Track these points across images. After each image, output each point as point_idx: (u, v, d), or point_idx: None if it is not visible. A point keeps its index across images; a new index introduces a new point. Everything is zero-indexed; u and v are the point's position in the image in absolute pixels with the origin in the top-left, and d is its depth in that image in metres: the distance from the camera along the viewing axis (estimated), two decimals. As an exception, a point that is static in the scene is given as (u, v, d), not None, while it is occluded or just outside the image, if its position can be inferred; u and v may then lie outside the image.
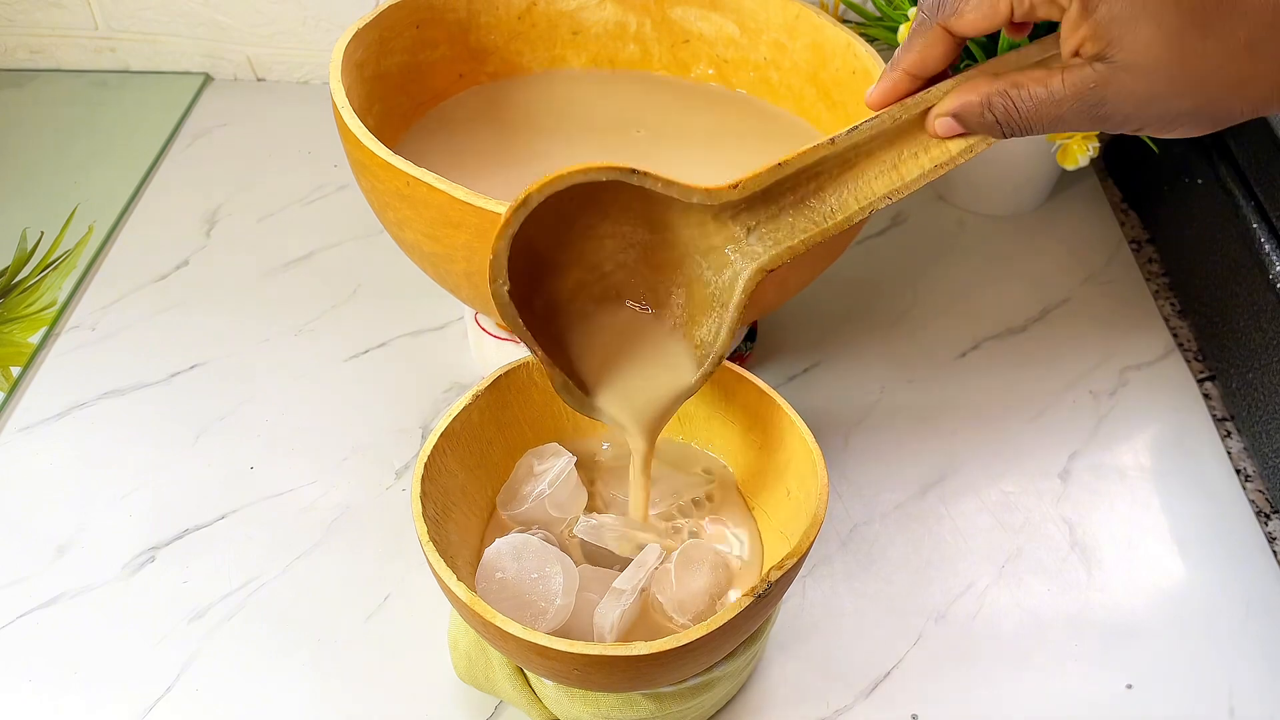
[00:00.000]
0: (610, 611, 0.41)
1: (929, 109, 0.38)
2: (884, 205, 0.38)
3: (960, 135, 0.38)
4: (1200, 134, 0.36)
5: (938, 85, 0.38)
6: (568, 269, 0.39)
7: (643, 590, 0.43)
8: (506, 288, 0.36)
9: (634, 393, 0.40)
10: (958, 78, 0.38)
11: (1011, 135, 0.37)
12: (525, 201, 0.35)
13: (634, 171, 0.36)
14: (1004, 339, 0.66)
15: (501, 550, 0.43)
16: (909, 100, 0.38)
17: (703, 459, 0.49)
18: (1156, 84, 0.33)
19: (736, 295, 0.38)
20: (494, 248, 0.36)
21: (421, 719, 0.46)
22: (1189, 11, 0.32)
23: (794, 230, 0.38)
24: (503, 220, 0.35)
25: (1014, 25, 0.37)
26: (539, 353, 0.38)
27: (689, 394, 0.40)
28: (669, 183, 0.37)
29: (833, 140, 0.38)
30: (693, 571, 0.44)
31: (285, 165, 0.76)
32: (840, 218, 0.38)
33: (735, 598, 0.38)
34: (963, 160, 0.38)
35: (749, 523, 0.47)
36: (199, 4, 0.80)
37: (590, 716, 0.43)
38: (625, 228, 0.38)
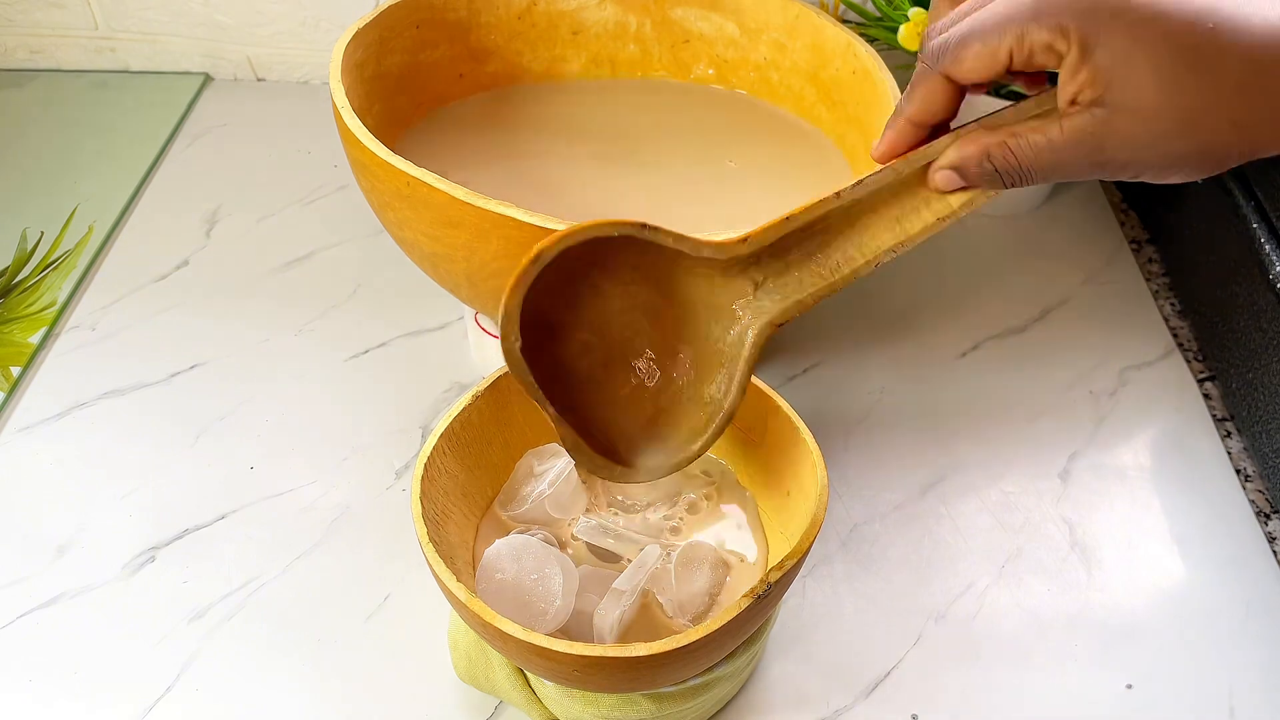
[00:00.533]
0: (610, 612, 0.41)
1: (930, 163, 0.38)
2: (889, 259, 0.39)
3: (961, 189, 0.38)
4: (1200, 177, 0.36)
5: (938, 140, 0.38)
6: (573, 330, 0.38)
7: (643, 591, 0.43)
8: (519, 344, 0.36)
9: (647, 456, 0.39)
10: (957, 132, 0.38)
11: (1012, 185, 0.37)
12: (538, 257, 0.35)
13: (644, 226, 0.36)
14: (1004, 339, 0.66)
15: (501, 551, 0.43)
16: (911, 155, 0.38)
17: (702, 460, 0.49)
18: (1154, 126, 0.33)
19: (746, 350, 0.38)
20: (505, 304, 0.35)
21: (421, 719, 0.46)
22: (1182, 52, 0.32)
23: (802, 285, 0.38)
24: (515, 276, 0.35)
25: (1015, 75, 0.37)
26: (551, 412, 0.37)
27: (699, 455, 0.39)
28: (680, 237, 0.37)
29: (838, 194, 0.38)
30: (693, 571, 0.44)
31: (285, 165, 0.76)
32: (847, 271, 0.38)
33: (735, 598, 0.38)
34: (964, 213, 0.38)
35: (749, 523, 0.47)
36: (199, 4, 0.80)
37: (590, 716, 0.43)
38: (632, 288, 0.38)
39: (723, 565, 0.45)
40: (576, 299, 0.38)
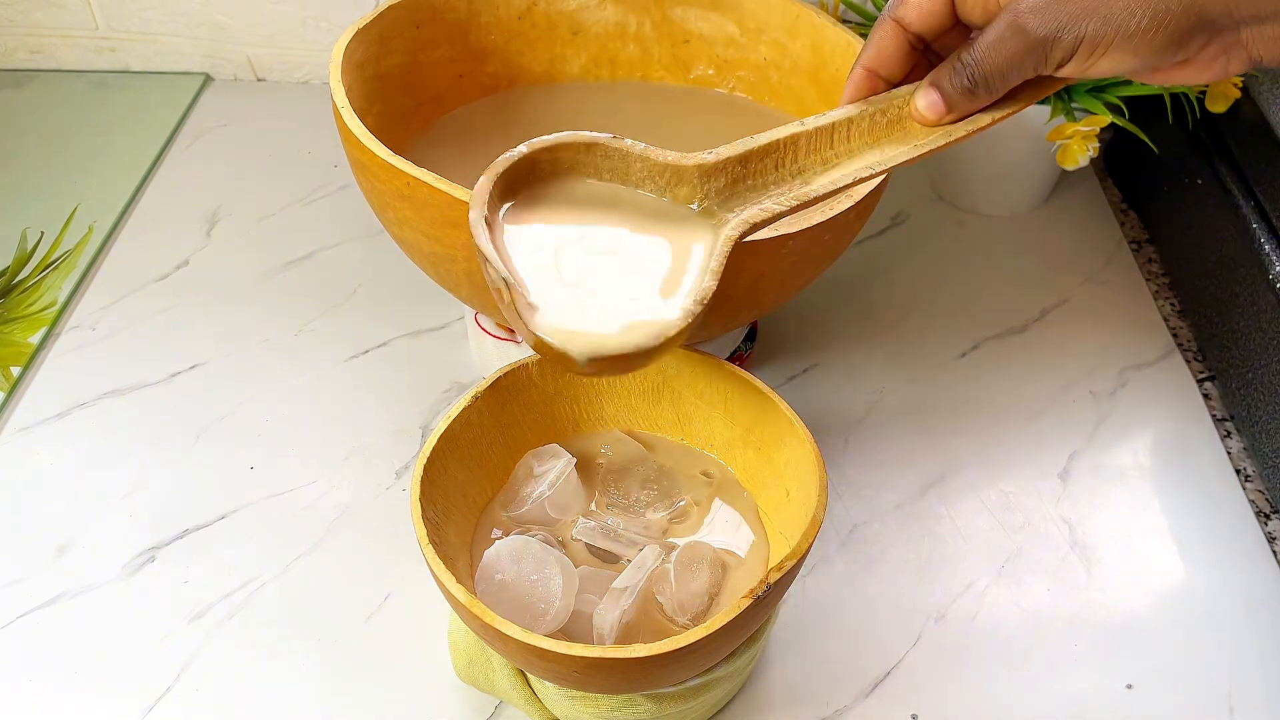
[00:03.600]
0: (609, 613, 0.41)
1: (899, 105, 0.40)
2: (867, 175, 0.40)
3: (943, 114, 0.39)
4: (1154, 61, 0.36)
5: (902, 88, 0.40)
6: (547, 222, 0.39)
7: (643, 591, 0.43)
8: (485, 215, 0.37)
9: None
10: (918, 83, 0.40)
11: (981, 94, 0.38)
12: (511, 155, 0.37)
13: (614, 137, 0.38)
14: (1004, 339, 0.66)
15: (501, 552, 0.43)
16: (877, 96, 0.40)
17: (702, 460, 0.49)
18: None
19: (724, 234, 0.39)
20: (478, 185, 0.37)
21: (421, 719, 0.46)
22: None
23: (769, 198, 0.40)
24: (488, 169, 0.37)
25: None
26: (501, 263, 0.37)
27: (662, 352, 0.38)
28: (646, 146, 0.39)
29: (802, 122, 0.40)
30: (692, 572, 0.44)
31: (285, 165, 0.76)
32: (824, 181, 0.40)
33: (735, 598, 0.38)
34: (942, 144, 0.40)
35: (749, 522, 0.47)
36: (199, 4, 0.80)
37: (590, 717, 0.43)
38: (607, 187, 0.40)
39: (722, 565, 0.45)
40: (549, 196, 0.39)
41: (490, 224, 0.37)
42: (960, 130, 0.40)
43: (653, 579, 0.43)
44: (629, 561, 0.45)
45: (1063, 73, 0.37)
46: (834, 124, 0.40)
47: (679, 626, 0.43)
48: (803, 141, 0.40)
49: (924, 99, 0.39)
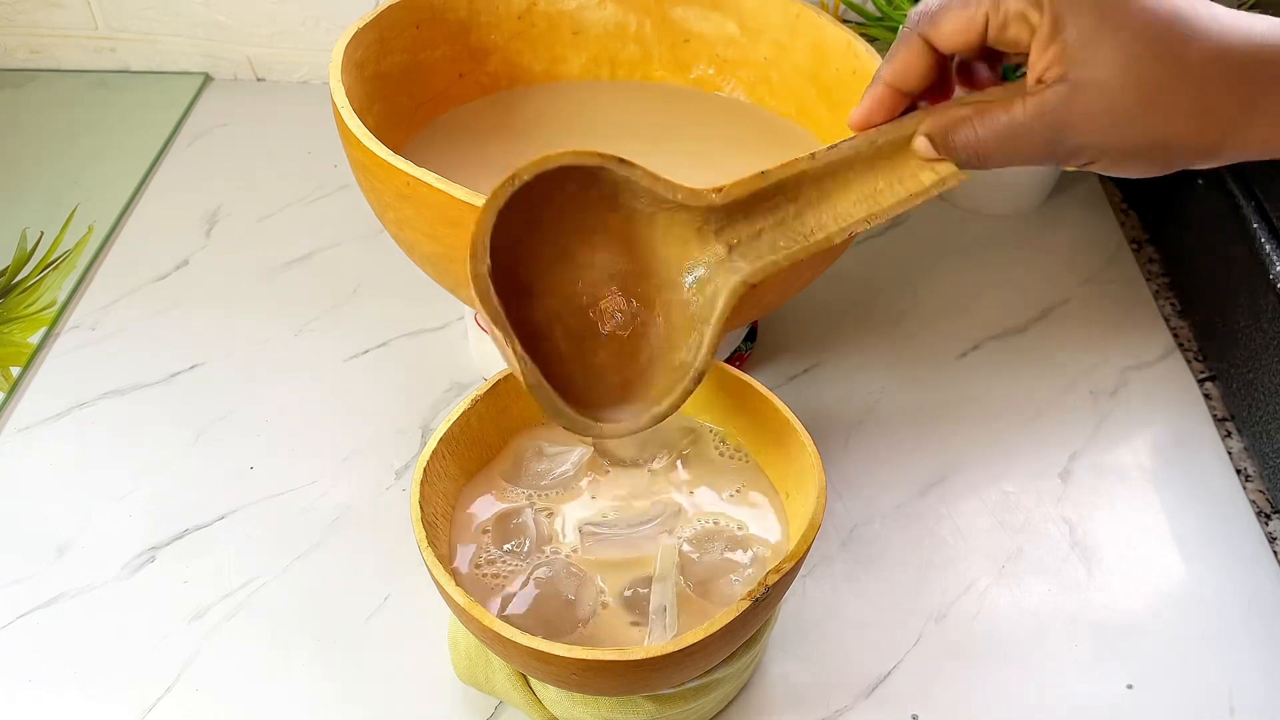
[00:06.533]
0: (660, 637, 0.41)
1: (905, 138, 0.39)
2: (862, 229, 0.39)
3: (935, 160, 0.38)
4: (1156, 174, 0.36)
5: (912, 114, 0.39)
6: (542, 298, 0.38)
7: (677, 594, 0.43)
8: (487, 267, 0.35)
9: (616, 415, 0.39)
10: (934, 106, 0.39)
11: (971, 166, 0.38)
12: (513, 178, 0.35)
13: (621, 161, 0.36)
14: (1004, 339, 0.66)
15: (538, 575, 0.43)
16: (885, 126, 0.39)
17: (681, 420, 0.49)
18: (1113, 105, 0.34)
19: (719, 310, 0.38)
20: (478, 222, 0.35)
21: (421, 719, 0.46)
22: (1148, 36, 0.34)
23: (775, 248, 0.38)
24: (489, 197, 0.35)
25: (993, 54, 0.38)
26: (516, 348, 0.36)
27: (666, 416, 0.39)
28: (655, 177, 0.37)
29: (813, 155, 0.38)
30: (708, 547, 0.44)
31: (285, 165, 0.76)
32: (820, 237, 0.39)
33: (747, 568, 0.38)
34: (936, 192, 0.39)
35: (751, 490, 0.47)
36: (199, 4, 0.80)
37: (590, 718, 0.43)
38: (601, 254, 0.38)
39: (735, 540, 0.45)
40: (546, 264, 0.38)
41: (493, 279, 0.35)
42: (953, 181, 0.39)
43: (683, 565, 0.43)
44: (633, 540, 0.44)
45: (1072, 166, 0.37)
46: (842, 159, 0.39)
47: (718, 602, 0.42)
48: (808, 179, 0.39)
49: (923, 148, 0.38)
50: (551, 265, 0.38)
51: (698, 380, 0.38)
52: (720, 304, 0.38)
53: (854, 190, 0.39)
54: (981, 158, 0.37)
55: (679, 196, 0.37)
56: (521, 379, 0.36)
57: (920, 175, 0.39)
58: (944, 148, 0.38)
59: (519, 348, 0.36)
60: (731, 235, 0.38)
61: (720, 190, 0.37)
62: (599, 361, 0.39)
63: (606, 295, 0.39)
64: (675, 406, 0.38)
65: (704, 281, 0.38)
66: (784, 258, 0.38)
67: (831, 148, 0.38)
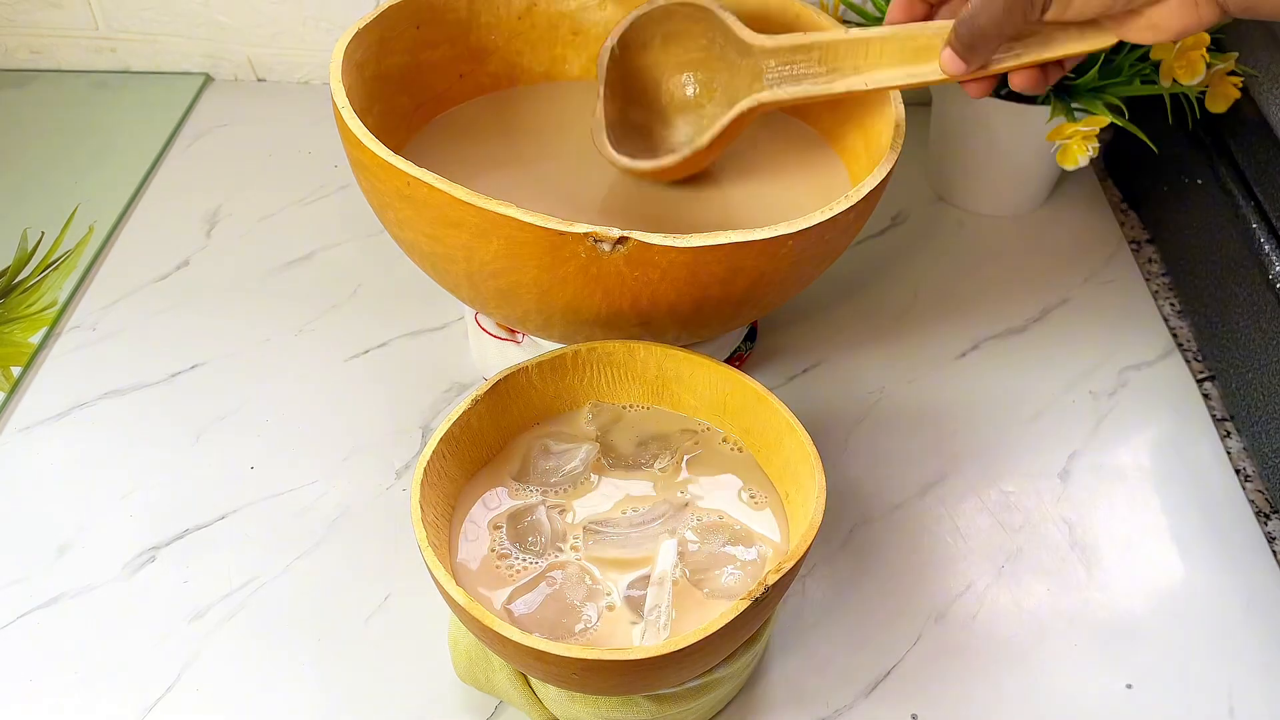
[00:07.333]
0: (654, 638, 0.41)
1: (915, 35, 0.48)
2: (889, 85, 0.50)
3: (964, 71, 0.46)
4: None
5: (934, 24, 0.48)
6: (631, 74, 0.57)
7: (672, 593, 0.42)
8: (613, 44, 0.56)
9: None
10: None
11: (981, 49, 0.45)
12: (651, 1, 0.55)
13: (721, 7, 0.54)
14: (1004, 339, 0.66)
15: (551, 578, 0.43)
16: (913, 26, 0.48)
17: (683, 421, 0.49)
18: None
19: (731, 112, 0.53)
20: (620, 26, 0.56)
21: (421, 719, 0.46)
22: None
23: (798, 89, 0.52)
24: (634, 10, 0.56)
25: None
26: (602, 95, 0.56)
27: (667, 167, 0.55)
28: (738, 25, 0.53)
29: (848, 28, 0.51)
30: (710, 538, 0.44)
31: (285, 165, 0.76)
32: (840, 88, 0.51)
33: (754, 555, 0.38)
34: (934, 80, 0.48)
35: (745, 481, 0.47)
36: (199, 4, 0.80)
37: (591, 717, 0.43)
38: (686, 60, 0.57)
39: (736, 533, 0.45)
40: (650, 57, 0.58)
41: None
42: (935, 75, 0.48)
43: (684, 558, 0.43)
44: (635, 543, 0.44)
45: (1047, 18, 0.42)
46: (870, 39, 0.49)
47: (712, 593, 0.42)
48: (843, 47, 0.51)
49: (946, 56, 0.46)
50: (650, 63, 0.57)
51: (694, 152, 0.54)
52: (735, 110, 0.53)
53: (885, 60, 0.50)
54: (979, 35, 0.44)
55: (745, 35, 0.53)
56: (603, 114, 0.56)
57: (923, 68, 0.48)
58: (962, 58, 0.45)
59: (603, 93, 0.56)
60: (771, 73, 0.53)
61: (775, 38, 0.52)
62: (643, 144, 0.57)
63: (676, 81, 0.58)
64: (673, 164, 0.55)
65: (735, 93, 0.54)
66: (802, 95, 0.52)
67: (861, 25, 0.53)
